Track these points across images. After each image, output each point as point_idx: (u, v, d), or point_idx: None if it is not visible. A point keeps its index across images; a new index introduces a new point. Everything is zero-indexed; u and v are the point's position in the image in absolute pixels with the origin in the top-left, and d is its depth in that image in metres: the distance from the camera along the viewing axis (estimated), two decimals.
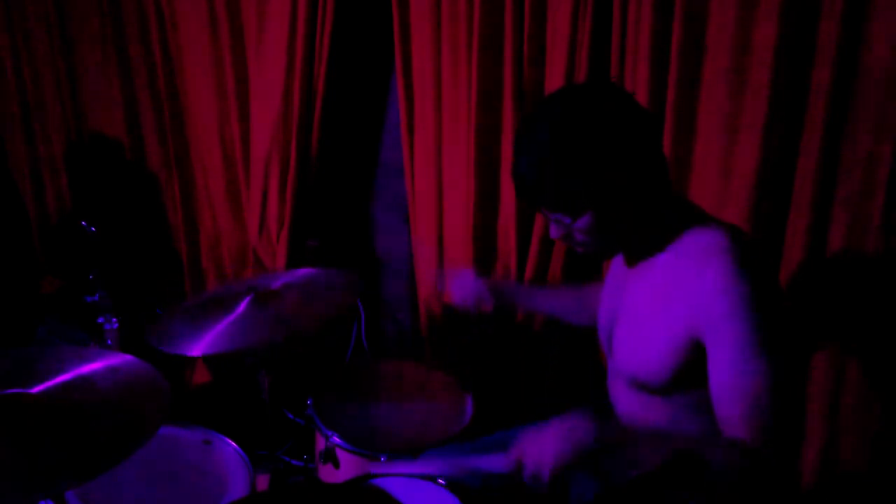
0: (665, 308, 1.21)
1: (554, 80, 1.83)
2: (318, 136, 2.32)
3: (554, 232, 1.26)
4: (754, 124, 1.57)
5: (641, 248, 1.29)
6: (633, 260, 1.32)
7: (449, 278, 1.73)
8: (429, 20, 2.01)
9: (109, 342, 2.02)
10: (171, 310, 1.84)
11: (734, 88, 1.59)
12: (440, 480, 1.43)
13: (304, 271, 2.00)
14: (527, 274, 2.03)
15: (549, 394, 2.09)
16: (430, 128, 2.11)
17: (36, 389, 1.27)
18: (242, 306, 1.76)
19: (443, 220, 2.17)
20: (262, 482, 1.51)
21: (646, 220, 1.24)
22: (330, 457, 1.70)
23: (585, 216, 1.20)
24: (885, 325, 1.57)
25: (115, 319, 2.02)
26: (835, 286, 1.58)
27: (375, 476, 1.48)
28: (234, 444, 1.66)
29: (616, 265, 1.43)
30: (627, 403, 1.36)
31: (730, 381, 1.12)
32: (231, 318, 1.72)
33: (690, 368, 1.19)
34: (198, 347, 1.63)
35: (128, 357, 1.39)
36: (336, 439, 1.68)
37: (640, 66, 1.67)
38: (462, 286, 1.67)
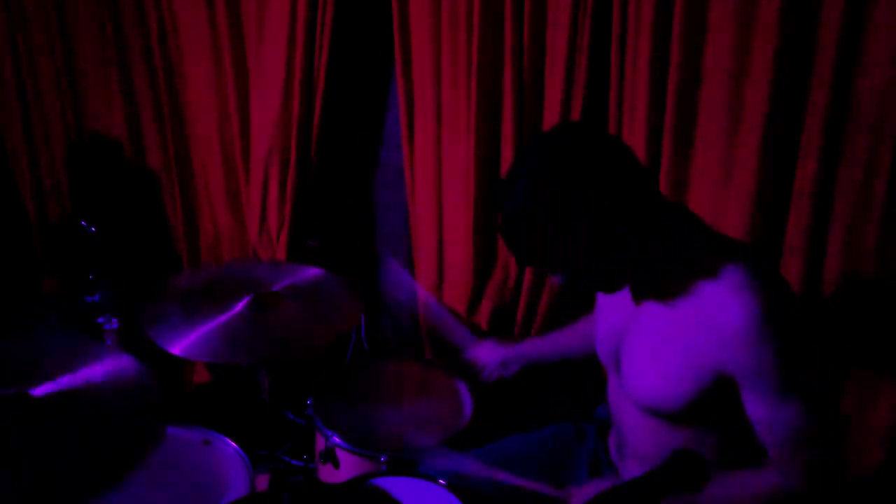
0: (686, 338, 1.17)
1: (554, 81, 1.83)
2: (318, 135, 2.32)
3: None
4: (754, 125, 1.57)
5: (647, 281, 1.25)
6: (639, 293, 1.28)
7: (474, 349, 1.83)
8: (428, 20, 2.01)
9: (109, 342, 2.02)
10: (164, 290, 1.84)
11: (734, 89, 1.58)
12: (440, 480, 1.44)
13: (305, 270, 2.00)
14: (527, 274, 2.03)
15: (549, 395, 2.10)
16: (430, 128, 2.11)
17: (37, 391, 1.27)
18: (240, 307, 1.76)
19: (443, 220, 2.17)
20: (262, 482, 1.50)
21: (643, 263, 1.19)
22: (330, 457, 1.70)
23: (555, 276, 1.22)
24: (886, 327, 1.57)
25: (115, 319, 2.02)
26: (834, 287, 1.58)
27: (375, 475, 1.48)
28: (234, 444, 1.66)
29: None
30: (636, 425, 1.34)
31: (769, 418, 1.14)
32: (227, 316, 1.73)
33: (710, 398, 1.18)
34: (189, 349, 1.64)
35: (125, 359, 1.39)
36: (336, 439, 1.68)
37: (640, 66, 1.67)
38: (487, 356, 1.80)
